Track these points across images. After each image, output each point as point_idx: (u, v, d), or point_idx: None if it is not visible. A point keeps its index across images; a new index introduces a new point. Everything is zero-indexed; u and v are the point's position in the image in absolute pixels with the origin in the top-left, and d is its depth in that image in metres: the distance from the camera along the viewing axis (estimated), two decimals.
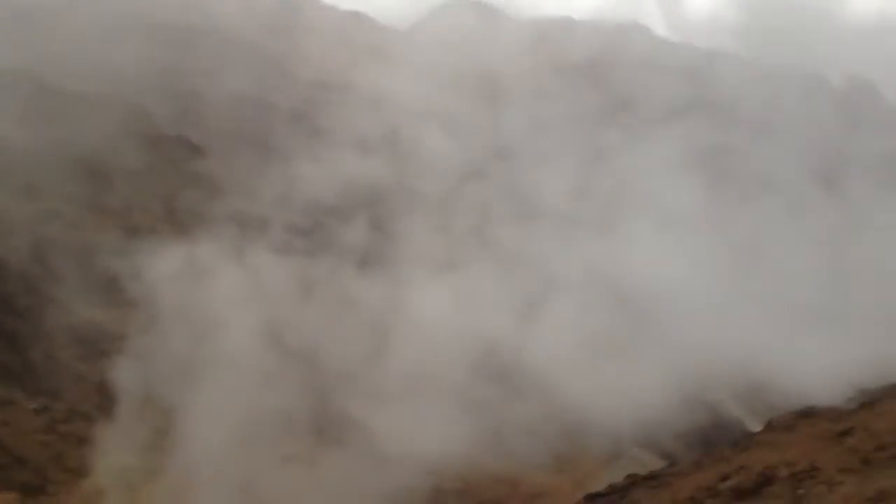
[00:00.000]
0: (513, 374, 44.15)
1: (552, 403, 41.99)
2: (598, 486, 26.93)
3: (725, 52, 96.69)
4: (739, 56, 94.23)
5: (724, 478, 17.83)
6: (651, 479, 22.38)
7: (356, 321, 44.45)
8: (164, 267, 42.29)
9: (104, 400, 37.55)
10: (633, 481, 22.84)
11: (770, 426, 22.58)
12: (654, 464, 34.83)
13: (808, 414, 21.85)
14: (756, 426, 33.31)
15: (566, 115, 73.05)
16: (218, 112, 61.17)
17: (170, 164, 54.39)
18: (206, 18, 72.65)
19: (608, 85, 79.64)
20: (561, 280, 51.50)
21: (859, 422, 18.33)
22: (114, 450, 35.14)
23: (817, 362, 39.69)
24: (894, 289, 48.65)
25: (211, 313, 41.25)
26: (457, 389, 42.43)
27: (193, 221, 48.76)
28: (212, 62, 66.66)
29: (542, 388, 42.73)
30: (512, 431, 41.00)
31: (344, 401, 40.51)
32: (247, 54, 70.93)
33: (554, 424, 41.60)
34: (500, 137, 70.01)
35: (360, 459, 37.31)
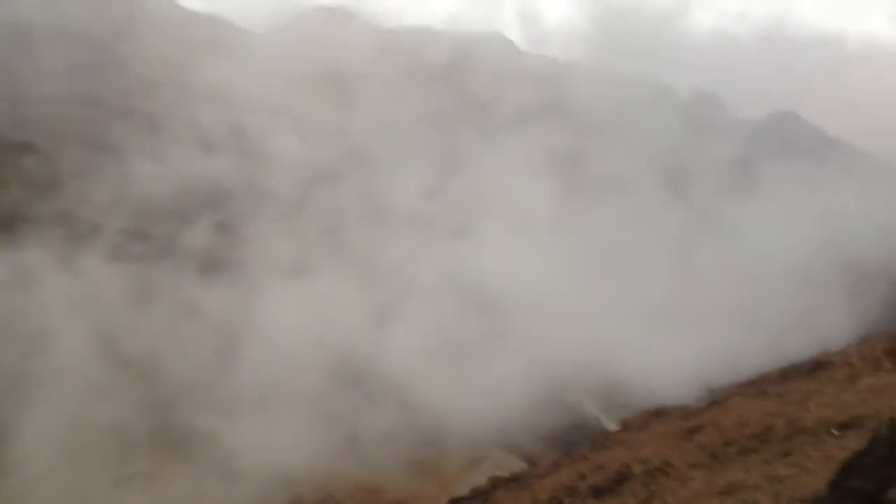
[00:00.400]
0: (369, 380, 43.93)
1: (411, 408, 42.06)
2: (462, 490, 27.12)
3: (579, 62, 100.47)
4: (593, 66, 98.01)
5: (583, 477, 18.20)
6: (513, 481, 22.68)
7: (200, 330, 42.97)
8: None
9: None
10: (496, 484, 23.12)
11: (625, 425, 23.31)
12: (516, 466, 35.50)
13: (660, 413, 22.69)
14: (612, 425, 34.51)
15: (422, 119, 73.53)
16: (48, 110, 57.77)
17: None
18: (38, 13, 68.62)
19: (464, 90, 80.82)
20: (416, 284, 51.66)
21: (708, 419, 19.11)
22: None
23: (669, 362, 41.59)
24: (737, 289, 51.70)
25: (40, 323, 39.13)
26: (312, 397, 41.74)
27: (21, 225, 45.86)
28: (44, 58, 63.03)
29: (400, 393, 42.73)
30: (371, 438, 40.73)
31: (189, 414, 39.05)
32: (82, 50, 67.43)
33: (414, 429, 41.64)
34: (354, 140, 69.57)
35: (210, 475, 36.14)
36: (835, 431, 13.56)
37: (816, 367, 20.39)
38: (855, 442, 11.70)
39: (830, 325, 41.76)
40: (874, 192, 62.88)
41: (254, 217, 55.27)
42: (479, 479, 27.61)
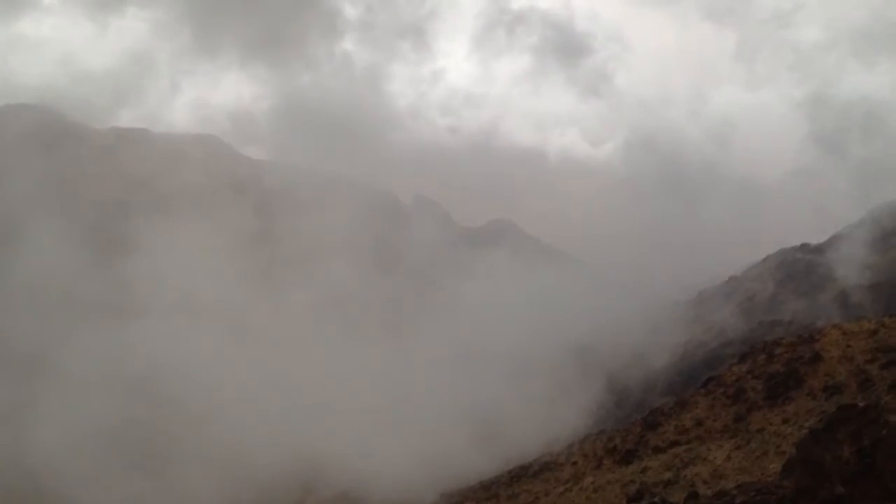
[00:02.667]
0: (13, 496, 40.27)
1: None
2: None
3: (288, 162, 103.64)
4: (294, 163, 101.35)
5: None
6: None
7: None
8: None
9: None
10: None
11: None
12: None
13: None
14: None
15: (80, 200, 70.63)
16: None
17: None
18: None
19: (130, 174, 78.88)
20: (66, 375, 48.32)
21: None
22: None
23: (399, 466, 41.83)
24: (458, 380, 53.66)
25: None
26: None
27: None
28: None
29: None
30: None
31: None
32: None
33: None
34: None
35: None
36: None
37: (543, 467, 22.55)
38: None
39: (555, 417, 45.12)
40: (584, 293, 70.06)
41: None
42: None
